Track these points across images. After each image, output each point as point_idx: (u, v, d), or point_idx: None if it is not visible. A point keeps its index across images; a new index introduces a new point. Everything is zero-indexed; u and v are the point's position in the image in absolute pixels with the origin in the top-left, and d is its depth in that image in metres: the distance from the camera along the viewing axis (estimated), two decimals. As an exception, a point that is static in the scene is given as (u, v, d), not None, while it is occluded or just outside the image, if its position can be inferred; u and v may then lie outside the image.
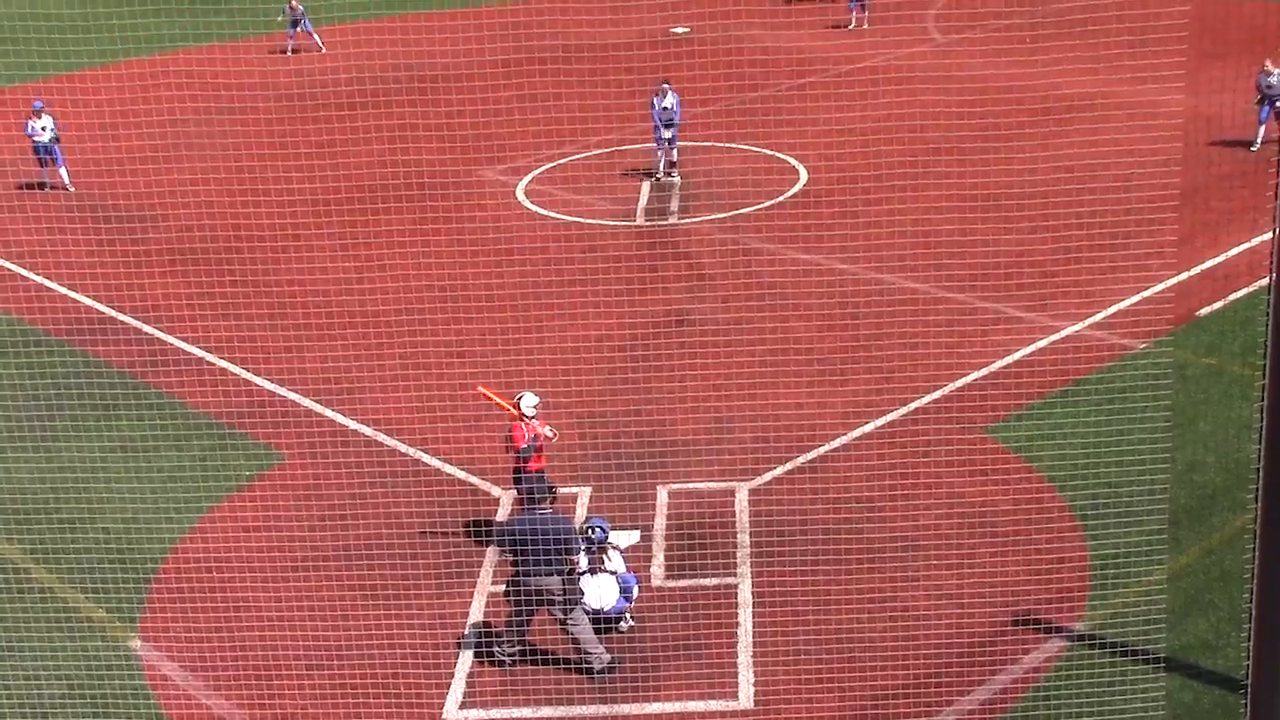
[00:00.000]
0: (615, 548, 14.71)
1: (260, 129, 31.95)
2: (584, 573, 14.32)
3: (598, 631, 14.20)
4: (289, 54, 41.40)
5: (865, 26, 40.73)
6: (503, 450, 16.23)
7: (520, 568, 13.83)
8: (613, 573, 14.42)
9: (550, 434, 15.89)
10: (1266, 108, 27.35)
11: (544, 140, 30.95)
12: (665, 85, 28.55)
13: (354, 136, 28.97)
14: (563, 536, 13.79)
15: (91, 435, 19.04)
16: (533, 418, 15.65)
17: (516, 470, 15.84)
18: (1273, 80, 26.89)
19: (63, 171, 29.79)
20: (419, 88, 31.56)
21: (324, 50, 41.49)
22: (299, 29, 41.75)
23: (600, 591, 14.32)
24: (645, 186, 28.04)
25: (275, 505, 17.24)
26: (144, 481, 17.82)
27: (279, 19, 41.94)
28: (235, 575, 15.77)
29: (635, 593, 14.66)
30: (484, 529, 16.39)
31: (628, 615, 14.64)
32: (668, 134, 28.66)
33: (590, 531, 14.53)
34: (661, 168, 28.94)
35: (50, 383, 20.33)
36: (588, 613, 14.15)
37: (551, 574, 13.74)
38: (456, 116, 28.91)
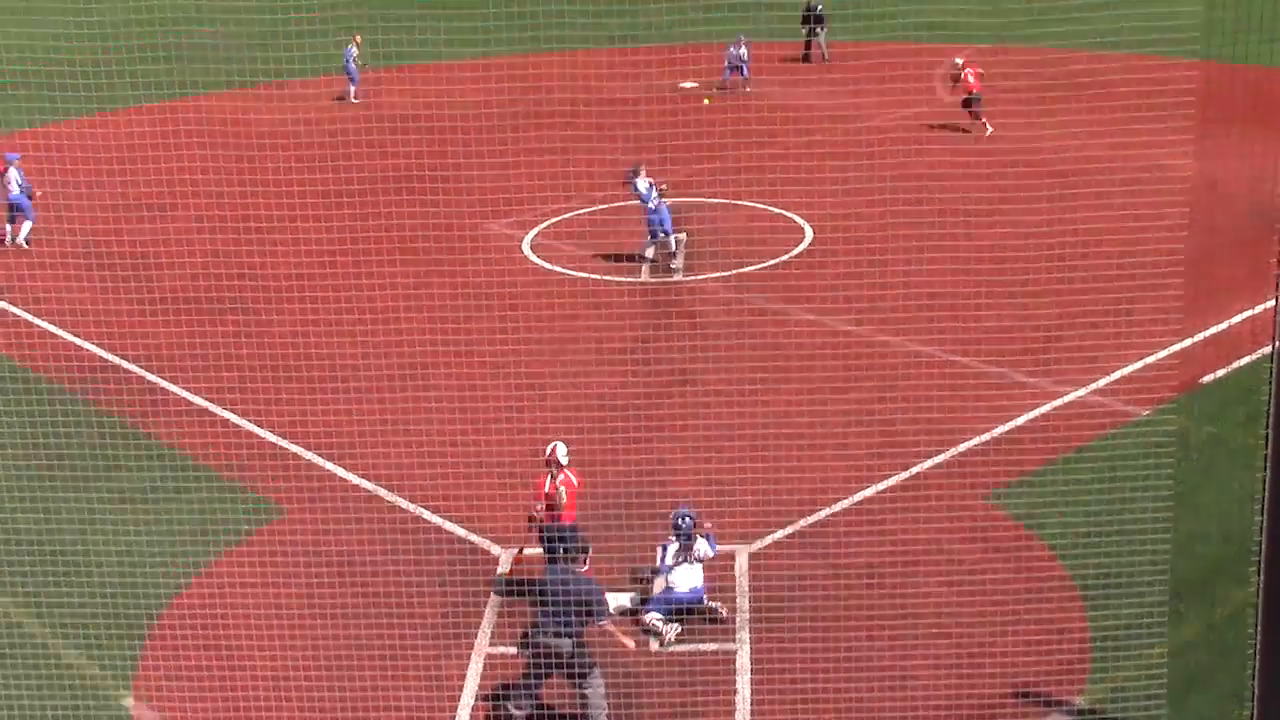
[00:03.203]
0: (705, 536, 15.06)
1: (266, 177, 32.01)
2: (673, 565, 15.07)
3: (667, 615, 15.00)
4: (352, 100, 41.92)
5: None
6: (544, 507, 16.06)
7: (534, 625, 13.72)
8: (700, 560, 14.80)
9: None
10: None
11: (550, 194, 31.00)
12: (639, 169, 26.84)
13: (359, 186, 29.00)
14: (585, 599, 13.62)
15: (90, 486, 18.94)
16: (566, 465, 16.09)
17: (533, 519, 16.10)
18: None
19: (24, 227, 29.26)
20: (425, 139, 31.61)
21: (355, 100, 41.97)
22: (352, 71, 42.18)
23: (685, 578, 14.95)
24: (648, 240, 28.03)
25: (274, 561, 17.14)
26: (142, 534, 17.72)
27: (357, 61, 42.16)
28: (232, 632, 15.68)
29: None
30: (483, 587, 16.32)
31: (673, 628, 15.04)
32: (659, 236, 26.71)
33: (680, 521, 15.04)
34: (649, 254, 27.10)
35: (49, 431, 20.25)
36: (661, 606, 14.89)
37: (563, 636, 13.59)
38: (463, 169, 28.96)
